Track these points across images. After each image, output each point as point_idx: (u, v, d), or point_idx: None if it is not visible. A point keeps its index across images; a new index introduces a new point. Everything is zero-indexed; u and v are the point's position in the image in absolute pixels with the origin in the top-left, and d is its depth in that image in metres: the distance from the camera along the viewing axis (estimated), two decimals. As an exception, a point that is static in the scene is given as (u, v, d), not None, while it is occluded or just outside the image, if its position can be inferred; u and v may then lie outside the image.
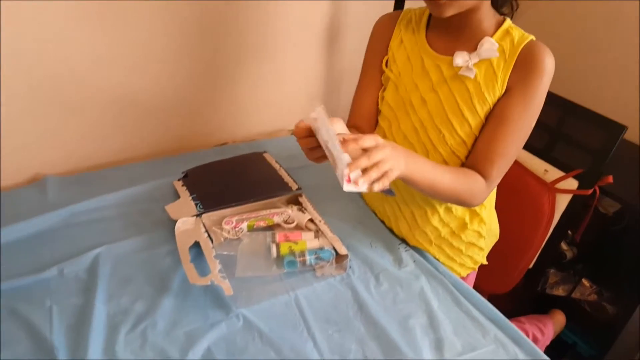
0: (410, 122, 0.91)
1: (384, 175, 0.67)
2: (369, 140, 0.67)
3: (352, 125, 1.01)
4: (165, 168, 1.21)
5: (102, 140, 1.23)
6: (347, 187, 0.68)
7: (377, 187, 0.68)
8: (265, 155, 1.25)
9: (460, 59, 0.82)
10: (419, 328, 0.82)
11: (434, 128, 0.88)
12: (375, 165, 0.66)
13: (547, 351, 1.30)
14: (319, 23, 1.42)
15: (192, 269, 0.86)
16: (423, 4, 0.84)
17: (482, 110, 0.83)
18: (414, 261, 0.96)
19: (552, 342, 1.37)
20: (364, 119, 0.99)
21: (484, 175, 0.83)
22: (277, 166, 1.19)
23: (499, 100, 0.82)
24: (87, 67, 1.11)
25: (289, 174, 1.15)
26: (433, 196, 0.84)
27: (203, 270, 0.87)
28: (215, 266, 0.87)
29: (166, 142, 1.33)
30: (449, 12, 0.76)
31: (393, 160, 0.68)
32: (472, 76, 0.82)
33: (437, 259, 0.98)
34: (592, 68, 1.52)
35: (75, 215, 1.02)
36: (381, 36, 0.96)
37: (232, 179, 1.13)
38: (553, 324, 1.35)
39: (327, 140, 0.68)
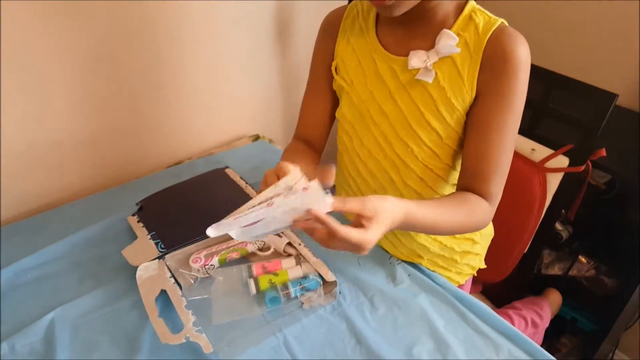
0: (372, 136, 0.80)
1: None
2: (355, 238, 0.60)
3: (300, 137, 0.90)
4: (117, 200, 1.08)
5: (43, 178, 1.08)
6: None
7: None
8: (228, 171, 1.13)
9: (416, 59, 0.70)
10: (426, 355, 0.73)
11: (399, 141, 0.77)
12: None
13: (547, 329, 1.28)
14: (265, 17, 1.29)
15: (162, 325, 0.75)
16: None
17: (451, 118, 0.72)
18: (409, 275, 0.87)
19: (551, 319, 1.32)
20: (314, 131, 0.89)
21: (483, 196, 0.72)
22: (242, 183, 1.07)
23: (471, 106, 0.71)
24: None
25: (257, 191, 1.03)
26: (435, 234, 0.76)
27: (175, 323, 0.76)
28: (188, 319, 0.75)
29: (114, 169, 1.19)
30: (399, 11, 0.64)
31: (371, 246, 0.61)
32: (430, 81, 0.70)
33: (433, 271, 0.90)
34: (574, 37, 1.45)
35: (20, 275, 0.88)
36: (326, 37, 0.84)
37: (193, 206, 1.01)
38: (549, 305, 1.30)
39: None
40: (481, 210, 0.72)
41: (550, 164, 1.05)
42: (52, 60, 0.99)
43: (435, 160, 0.76)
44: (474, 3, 0.71)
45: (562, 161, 1.04)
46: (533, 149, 1.08)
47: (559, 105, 1.03)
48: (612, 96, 0.92)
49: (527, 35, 0.69)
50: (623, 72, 1.32)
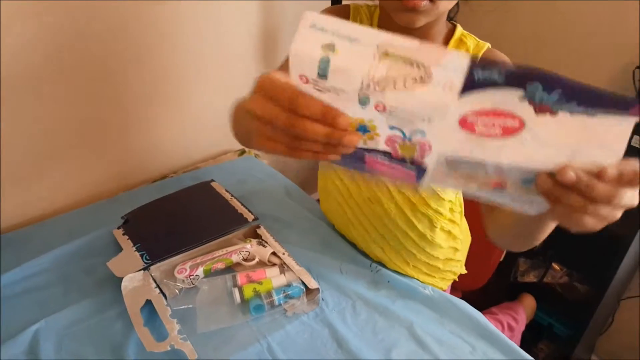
0: None
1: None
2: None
3: None
4: (103, 214, 1.09)
5: (29, 191, 1.10)
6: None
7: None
8: (213, 184, 1.16)
9: None
10: (404, 357, 0.76)
11: None
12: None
13: (524, 335, 1.32)
14: (250, 32, 1.33)
15: (147, 334, 0.76)
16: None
17: None
18: (388, 281, 0.91)
19: (528, 325, 1.36)
20: None
21: None
22: (228, 196, 1.10)
23: None
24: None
25: (242, 204, 1.06)
26: (532, 240, 0.63)
27: (160, 332, 0.78)
28: (172, 327, 0.77)
29: (100, 184, 1.20)
30: (422, 22, 0.65)
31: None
32: None
33: (417, 279, 0.93)
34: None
35: (5, 288, 0.89)
36: None
37: (179, 219, 1.03)
38: (524, 309, 1.34)
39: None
40: None
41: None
42: (35, 74, 1.01)
43: None
44: (461, 28, 0.77)
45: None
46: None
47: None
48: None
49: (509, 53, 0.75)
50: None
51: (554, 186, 0.39)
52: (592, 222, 0.41)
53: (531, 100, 0.36)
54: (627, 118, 0.35)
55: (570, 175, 0.37)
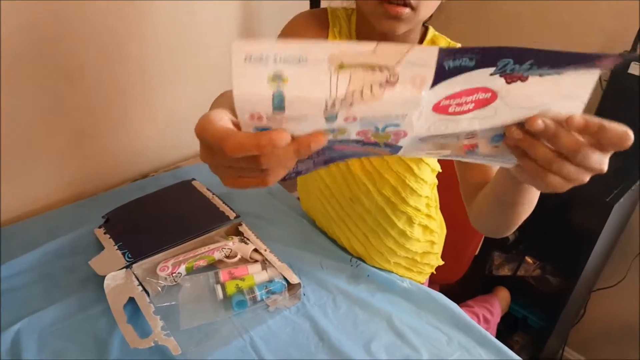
0: None
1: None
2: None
3: None
4: (84, 213, 1.09)
5: (10, 191, 1.09)
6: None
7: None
8: (194, 183, 1.17)
9: None
10: (383, 350, 0.79)
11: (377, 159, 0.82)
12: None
13: (499, 327, 1.36)
14: (230, 29, 1.34)
15: (131, 331, 0.77)
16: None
17: None
18: (368, 275, 0.93)
19: (503, 317, 1.41)
20: None
21: None
22: (209, 194, 1.11)
23: None
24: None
25: (223, 202, 1.08)
26: (515, 216, 0.63)
27: (144, 329, 0.79)
28: (156, 324, 0.78)
29: (81, 183, 1.20)
30: (403, 29, 0.66)
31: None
32: None
33: (396, 273, 0.95)
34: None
35: (-15, 289, 0.89)
36: (311, 34, 0.78)
37: (160, 217, 1.04)
38: (499, 302, 1.39)
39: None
40: None
41: (496, 170, 1.14)
42: (12, 70, 1.00)
43: (409, 172, 0.82)
44: (434, 30, 0.79)
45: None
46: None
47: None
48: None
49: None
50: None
51: (524, 136, 0.40)
52: (558, 181, 0.42)
53: (502, 73, 0.36)
54: (593, 69, 0.36)
55: (539, 124, 0.38)
